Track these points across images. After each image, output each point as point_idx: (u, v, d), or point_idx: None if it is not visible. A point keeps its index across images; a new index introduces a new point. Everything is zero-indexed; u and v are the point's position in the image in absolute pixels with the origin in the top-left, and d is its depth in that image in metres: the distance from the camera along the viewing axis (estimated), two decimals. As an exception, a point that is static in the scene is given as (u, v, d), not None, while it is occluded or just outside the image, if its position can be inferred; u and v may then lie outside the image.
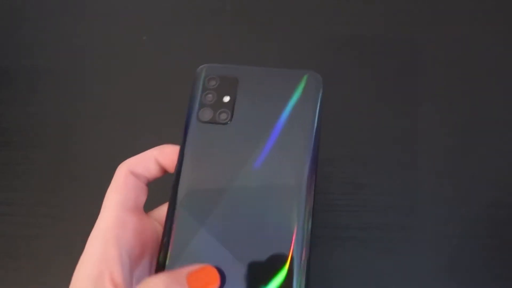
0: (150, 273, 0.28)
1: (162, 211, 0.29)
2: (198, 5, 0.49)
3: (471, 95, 0.45)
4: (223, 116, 0.28)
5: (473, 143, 0.43)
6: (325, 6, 0.48)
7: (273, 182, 0.26)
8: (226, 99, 0.28)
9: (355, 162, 0.42)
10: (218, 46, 0.47)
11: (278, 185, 0.26)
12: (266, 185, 0.26)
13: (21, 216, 0.41)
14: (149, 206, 0.30)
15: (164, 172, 0.30)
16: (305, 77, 0.29)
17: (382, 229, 0.40)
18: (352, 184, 0.42)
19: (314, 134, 0.27)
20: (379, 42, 0.47)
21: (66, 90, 0.46)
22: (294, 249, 0.25)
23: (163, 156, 0.29)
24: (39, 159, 0.43)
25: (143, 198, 0.29)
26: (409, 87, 0.45)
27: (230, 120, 0.28)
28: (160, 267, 0.25)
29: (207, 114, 0.28)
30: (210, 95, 0.29)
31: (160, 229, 0.29)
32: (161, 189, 0.29)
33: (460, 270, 0.39)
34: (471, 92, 0.45)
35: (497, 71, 0.45)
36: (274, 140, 0.27)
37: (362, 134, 0.43)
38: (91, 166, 0.43)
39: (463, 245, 0.40)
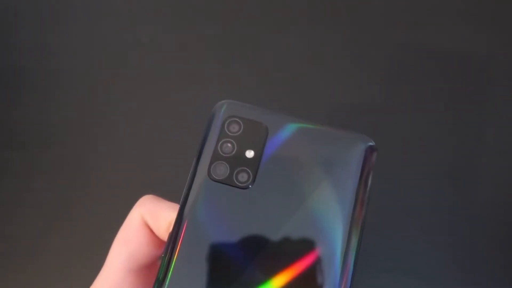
0: None
1: None
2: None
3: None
4: (243, 177, 0.21)
5: (473, 142, 0.43)
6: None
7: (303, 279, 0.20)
8: (250, 154, 0.21)
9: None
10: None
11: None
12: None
13: (23, 216, 0.42)
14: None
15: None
16: (357, 142, 0.22)
17: (381, 230, 0.41)
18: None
19: (361, 223, 0.21)
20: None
21: (69, 90, 0.46)
22: None
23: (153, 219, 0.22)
24: (42, 160, 0.43)
25: (157, 252, 0.23)
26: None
27: (252, 183, 0.21)
28: None
29: (221, 171, 0.21)
30: (229, 145, 0.21)
31: None
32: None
33: (461, 271, 0.40)
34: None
35: None
36: (308, 218, 0.20)
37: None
38: (95, 166, 0.43)
39: (464, 245, 0.40)
